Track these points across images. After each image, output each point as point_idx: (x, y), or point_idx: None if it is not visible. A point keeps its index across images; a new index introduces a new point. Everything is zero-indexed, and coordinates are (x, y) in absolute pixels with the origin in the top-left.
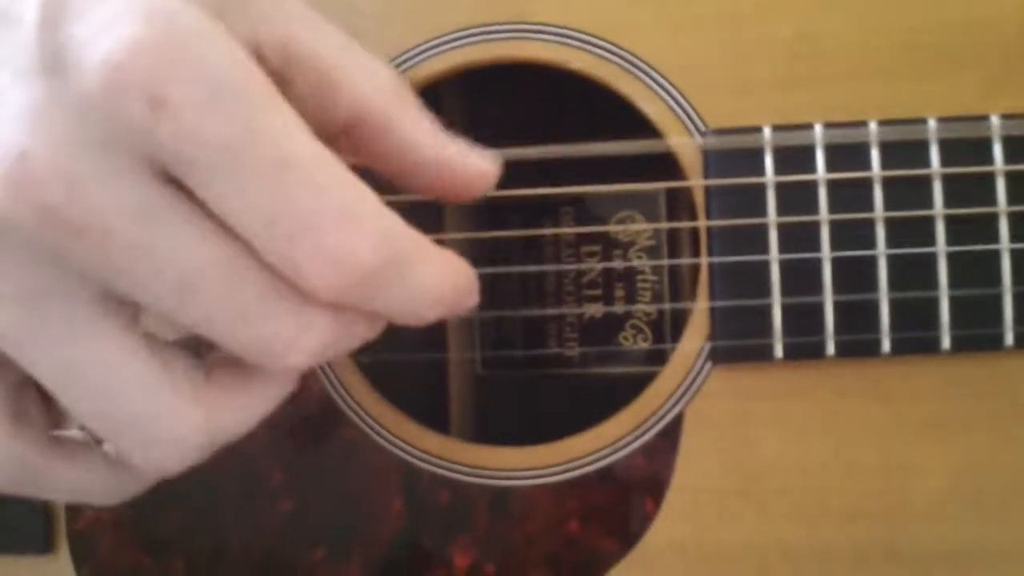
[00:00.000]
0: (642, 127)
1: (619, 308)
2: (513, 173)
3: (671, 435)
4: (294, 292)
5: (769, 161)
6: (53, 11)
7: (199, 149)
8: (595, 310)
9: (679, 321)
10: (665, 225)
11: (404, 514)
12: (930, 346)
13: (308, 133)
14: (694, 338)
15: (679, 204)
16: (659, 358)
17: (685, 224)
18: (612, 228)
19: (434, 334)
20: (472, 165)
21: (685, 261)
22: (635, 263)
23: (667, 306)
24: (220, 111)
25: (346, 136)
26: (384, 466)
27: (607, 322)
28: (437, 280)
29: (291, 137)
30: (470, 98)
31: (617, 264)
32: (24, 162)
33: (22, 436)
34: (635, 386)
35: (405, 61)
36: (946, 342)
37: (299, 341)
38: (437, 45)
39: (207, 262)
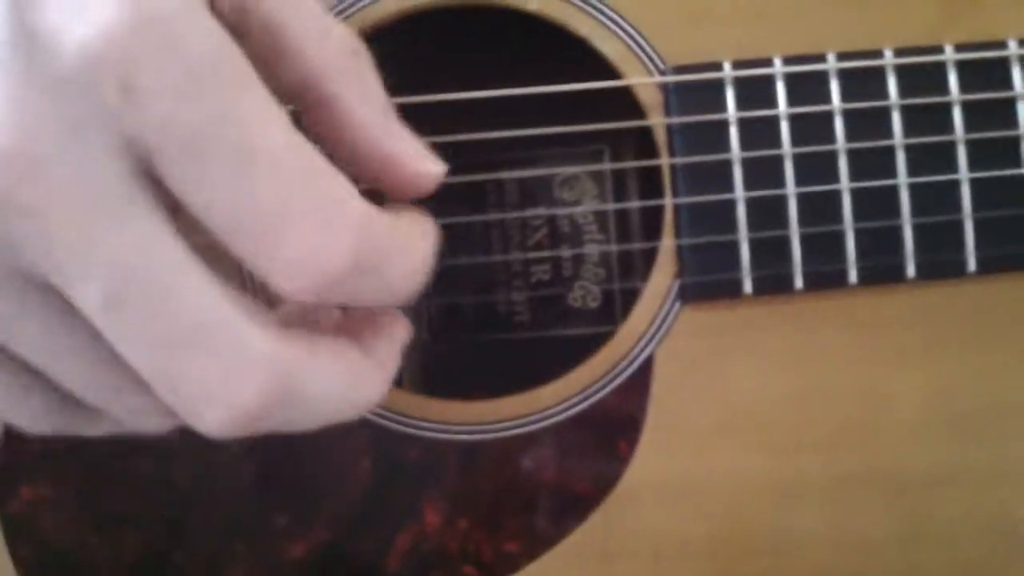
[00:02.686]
0: (602, 73)
1: (567, 258)
2: (461, 122)
3: (643, 377)
4: (241, 333)
5: (731, 96)
6: None
7: (165, 136)
8: (542, 271)
9: (627, 278)
10: (629, 164)
11: (371, 474)
12: (896, 274)
13: (284, 121)
14: (662, 278)
15: (624, 157)
16: (610, 317)
17: (650, 163)
18: (572, 169)
19: None
20: (418, 165)
21: (651, 203)
22: (593, 208)
23: (628, 246)
24: (188, 98)
25: (299, 103)
26: (349, 426)
27: (555, 284)
28: (418, 265)
29: (262, 126)
30: (421, 42)
31: (581, 208)
32: None
33: None
34: (587, 346)
35: (353, 4)
36: (911, 270)
37: (225, 391)
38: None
39: (147, 269)
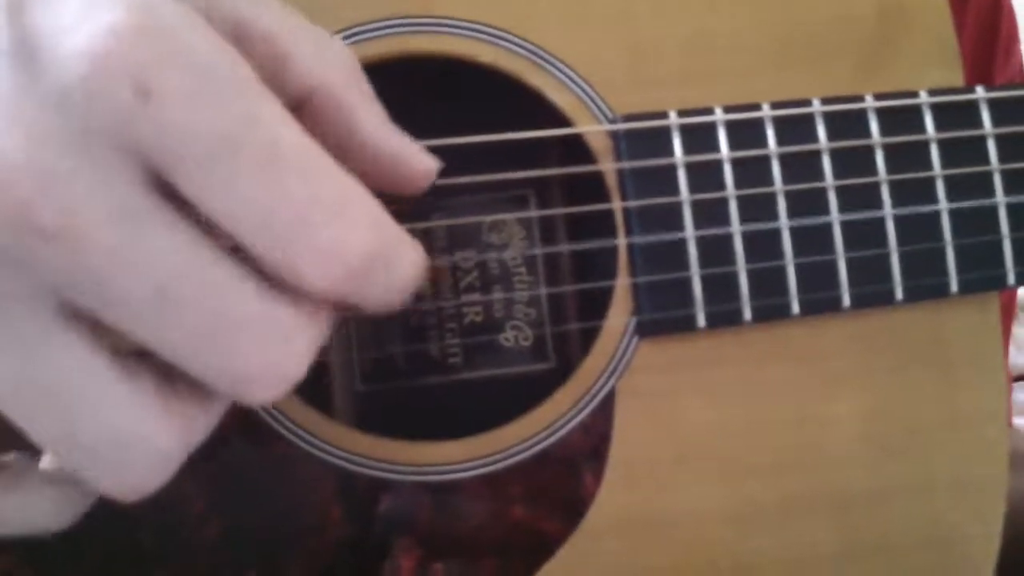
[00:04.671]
0: (546, 123)
1: (498, 300)
2: None
3: (605, 411)
4: (281, 313)
5: (677, 142)
6: None
7: (189, 141)
8: (474, 313)
9: (557, 316)
10: (583, 209)
11: (343, 522)
12: (833, 305)
13: (295, 123)
14: (619, 315)
15: (550, 202)
16: (542, 355)
17: (601, 206)
18: (525, 214)
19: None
20: (418, 159)
21: (605, 243)
22: (547, 250)
23: (583, 286)
24: (211, 101)
25: (298, 113)
26: (317, 474)
27: (487, 325)
28: (413, 266)
29: (281, 128)
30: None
31: (534, 251)
32: None
33: None
34: (523, 386)
35: None
36: (846, 300)
37: (277, 367)
38: (341, 39)
39: (188, 271)
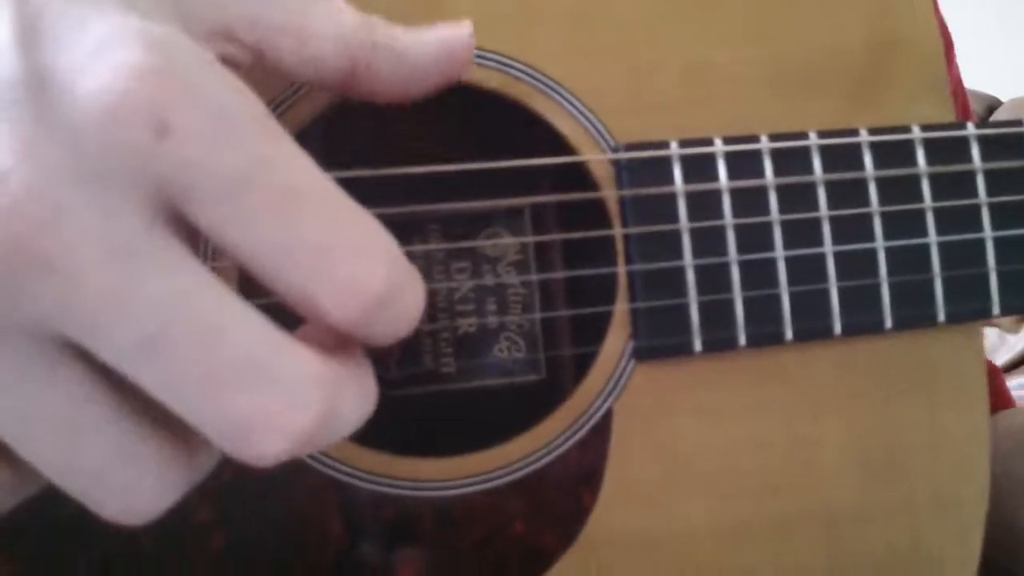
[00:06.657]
0: (537, 140)
1: (492, 311)
2: (384, 193)
3: (603, 430)
4: (288, 361)
5: (678, 171)
6: (28, 31)
7: (207, 179)
8: (468, 325)
9: (550, 330)
10: (584, 235)
11: (344, 536)
12: (825, 332)
13: (311, 162)
14: (617, 339)
15: (544, 220)
16: (535, 367)
17: (602, 232)
18: (531, 239)
19: None
20: (450, 33)
21: (606, 271)
22: (546, 276)
23: (582, 311)
24: (229, 140)
25: (350, 82)
26: (319, 488)
27: (481, 336)
28: (419, 301)
29: (299, 167)
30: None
31: (518, 278)
32: (2, 184)
33: None
34: (517, 397)
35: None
36: (837, 328)
37: (283, 421)
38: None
39: (188, 316)
